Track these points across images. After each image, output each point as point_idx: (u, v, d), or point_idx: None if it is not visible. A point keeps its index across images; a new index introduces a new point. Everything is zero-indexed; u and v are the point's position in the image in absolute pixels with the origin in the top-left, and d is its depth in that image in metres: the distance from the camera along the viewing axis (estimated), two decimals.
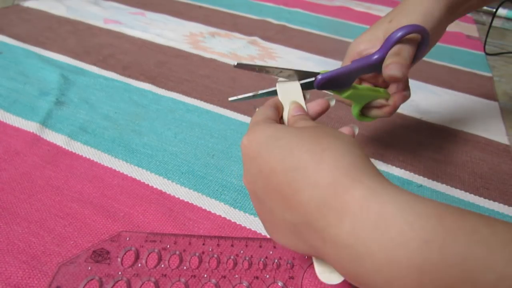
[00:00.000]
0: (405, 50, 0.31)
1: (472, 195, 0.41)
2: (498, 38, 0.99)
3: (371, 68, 0.33)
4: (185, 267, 0.29)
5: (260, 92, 0.32)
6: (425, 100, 0.61)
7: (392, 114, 0.37)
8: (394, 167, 0.44)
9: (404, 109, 0.57)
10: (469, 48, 0.87)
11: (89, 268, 0.28)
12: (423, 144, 0.49)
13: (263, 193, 0.24)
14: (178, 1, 0.98)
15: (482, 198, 0.40)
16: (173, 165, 0.40)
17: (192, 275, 0.29)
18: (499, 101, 0.63)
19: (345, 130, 0.29)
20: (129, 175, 0.38)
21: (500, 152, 0.49)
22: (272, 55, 0.71)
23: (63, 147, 0.41)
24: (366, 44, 0.34)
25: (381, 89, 0.36)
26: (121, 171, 0.39)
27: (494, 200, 0.40)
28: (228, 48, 0.72)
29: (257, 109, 0.29)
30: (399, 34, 0.31)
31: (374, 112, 0.37)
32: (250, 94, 0.32)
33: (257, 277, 0.29)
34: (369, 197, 0.19)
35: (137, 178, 0.38)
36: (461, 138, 0.51)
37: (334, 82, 0.31)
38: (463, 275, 0.16)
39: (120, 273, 0.28)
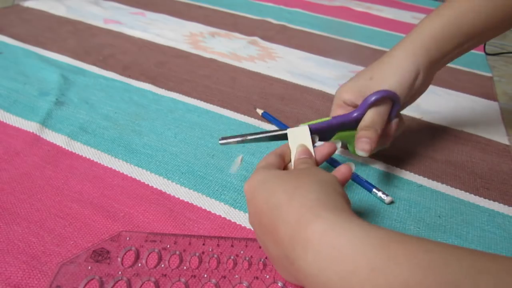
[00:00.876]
0: (377, 119, 0.36)
1: (472, 195, 0.41)
2: (498, 38, 0.99)
3: (351, 124, 0.37)
4: (185, 267, 0.29)
5: (249, 137, 0.35)
6: (425, 100, 0.60)
7: (383, 146, 0.40)
8: (394, 167, 0.44)
9: (404, 109, 0.57)
10: None
11: (89, 268, 0.28)
12: (423, 144, 0.49)
13: (259, 231, 0.27)
14: (178, 1, 0.98)
15: (482, 198, 0.40)
16: (173, 165, 0.40)
17: (192, 275, 0.29)
18: (499, 101, 0.63)
19: (342, 167, 0.31)
20: (129, 175, 0.38)
21: (500, 152, 0.49)
22: (272, 55, 0.71)
23: (63, 147, 0.41)
24: (349, 96, 0.38)
25: None
26: (121, 171, 0.39)
27: (494, 200, 0.40)
28: (228, 48, 0.72)
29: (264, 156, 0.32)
30: (373, 98, 0.36)
31: None
32: (239, 139, 0.35)
33: (257, 277, 0.29)
34: (327, 231, 0.21)
35: (137, 178, 0.38)
36: (461, 138, 0.51)
37: (318, 133, 0.35)
38: None
39: (120, 273, 0.28)
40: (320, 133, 0.35)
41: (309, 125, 0.35)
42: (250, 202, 0.27)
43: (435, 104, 0.60)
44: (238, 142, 0.35)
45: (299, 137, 0.34)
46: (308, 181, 0.26)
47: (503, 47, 0.92)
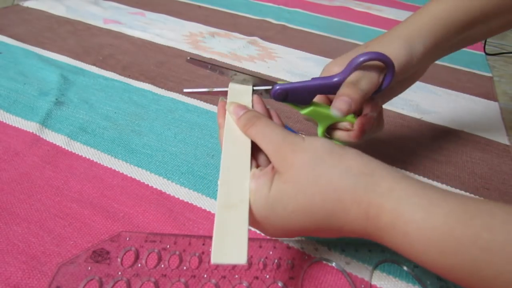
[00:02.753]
0: (364, 79, 0.30)
1: (472, 195, 0.41)
2: (498, 38, 0.99)
3: (330, 89, 0.31)
4: (185, 267, 0.29)
5: (215, 89, 0.33)
6: (425, 100, 0.61)
7: (360, 139, 0.33)
8: (394, 167, 0.44)
9: (404, 109, 0.57)
10: (469, 48, 0.87)
11: (89, 268, 0.28)
12: (423, 144, 0.49)
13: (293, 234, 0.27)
14: (177, 1, 0.98)
15: (482, 198, 0.40)
16: (173, 165, 0.40)
17: (192, 275, 0.29)
18: (499, 101, 0.63)
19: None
20: (129, 175, 0.38)
21: (500, 152, 0.49)
22: (272, 55, 0.71)
23: (63, 147, 0.41)
24: (339, 67, 0.33)
25: None
26: (121, 171, 0.39)
27: (494, 200, 0.40)
28: (228, 48, 0.72)
29: None
30: (362, 58, 0.29)
31: (339, 134, 0.35)
32: (205, 89, 0.33)
33: (257, 277, 0.29)
34: (395, 220, 0.22)
35: (137, 178, 0.38)
36: (461, 138, 0.51)
37: (292, 95, 0.31)
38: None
39: (120, 273, 0.28)
40: (293, 94, 0.31)
41: (281, 85, 0.31)
42: (273, 211, 0.25)
43: (435, 104, 0.60)
44: (203, 93, 0.33)
45: (242, 95, 0.31)
46: (327, 169, 0.24)
47: (503, 47, 0.92)
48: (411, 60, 0.33)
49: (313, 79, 0.32)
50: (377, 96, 0.33)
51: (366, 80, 0.30)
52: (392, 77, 0.31)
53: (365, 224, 0.23)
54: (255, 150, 0.28)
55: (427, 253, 0.21)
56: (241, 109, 0.29)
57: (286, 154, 0.25)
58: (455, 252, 0.20)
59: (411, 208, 0.22)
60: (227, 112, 0.30)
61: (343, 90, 0.30)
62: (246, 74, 0.32)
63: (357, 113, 0.34)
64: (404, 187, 0.23)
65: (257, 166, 0.28)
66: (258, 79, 0.32)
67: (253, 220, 0.25)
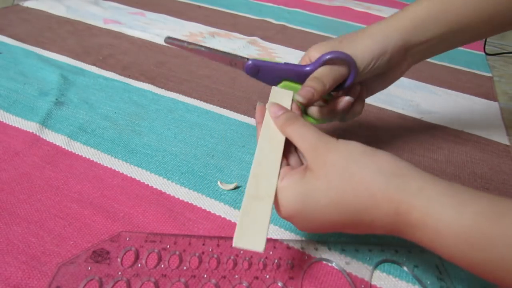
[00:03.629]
0: (328, 75, 0.34)
1: None
2: (498, 38, 0.99)
3: (300, 76, 0.36)
4: (185, 267, 0.29)
5: (198, 45, 0.35)
6: (425, 100, 0.61)
7: (332, 118, 0.38)
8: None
9: (404, 109, 0.57)
10: (469, 48, 0.87)
11: (89, 268, 0.28)
12: (423, 144, 0.49)
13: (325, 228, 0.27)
14: (177, 1, 0.98)
15: (510, 199, 0.40)
16: (173, 165, 0.40)
17: (192, 275, 0.29)
18: (499, 101, 0.63)
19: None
20: (129, 175, 0.38)
21: (500, 152, 0.49)
22: (272, 55, 0.71)
23: (63, 147, 0.41)
24: (317, 54, 0.36)
25: None
26: (121, 171, 0.39)
27: None
28: (228, 48, 0.72)
29: None
30: (328, 56, 0.34)
31: (312, 110, 0.37)
32: (185, 43, 0.35)
33: (257, 277, 0.29)
34: (426, 219, 0.23)
35: (137, 178, 0.38)
36: (461, 138, 0.51)
37: (263, 73, 0.35)
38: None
39: (120, 273, 0.28)
40: (265, 72, 0.36)
41: (253, 60, 0.35)
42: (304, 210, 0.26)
43: (435, 104, 0.60)
44: (183, 47, 0.35)
45: (280, 98, 0.33)
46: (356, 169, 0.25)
47: (503, 47, 0.92)
48: (381, 57, 0.35)
49: (285, 63, 0.36)
50: (357, 83, 0.37)
51: (330, 76, 0.34)
52: (354, 75, 0.35)
53: (395, 219, 0.24)
54: (287, 151, 0.30)
55: (457, 249, 0.22)
56: (280, 109, 0.31)
57: (321, 153, 0.26)
58: (484, 249, 0.21)
59: (441, 207, 0.22)
60: (266, 112, 0.32)
61: (308, 82, 0.34)
62: (221, 51, 0.34)
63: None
64: (434, 187, 0.24)
65: (288, 165, 0.30)
66: (232, 55, 0.35)
67: (287, 215, 0.27)
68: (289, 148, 0.31)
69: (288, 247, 0.32)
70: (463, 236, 0.21)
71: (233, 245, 0.24)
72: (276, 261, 0.31)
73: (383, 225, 0.24)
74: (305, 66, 0.36)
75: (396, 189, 0.24)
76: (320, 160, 0.26)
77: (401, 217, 0.24)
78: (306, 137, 0.28)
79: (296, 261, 0.31)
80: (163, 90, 0.54)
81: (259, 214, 0.25)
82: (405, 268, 0.31)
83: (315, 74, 0.35)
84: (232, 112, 0.51)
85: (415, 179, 0.25)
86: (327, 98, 0.38)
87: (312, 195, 0.26)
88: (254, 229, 0.25)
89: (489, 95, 0.65)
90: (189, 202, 0.36)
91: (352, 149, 0.27)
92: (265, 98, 0.55)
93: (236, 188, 0.38)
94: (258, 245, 0.24)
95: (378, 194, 0.24)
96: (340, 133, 0.49)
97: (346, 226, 0.26)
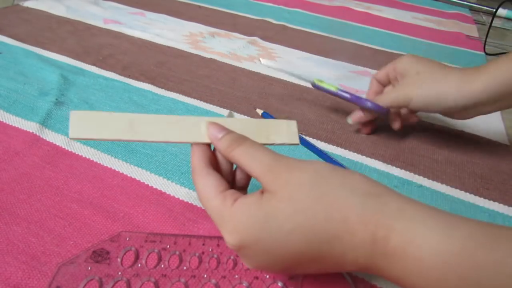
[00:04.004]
0: (363, 118, 0.47)
1: (472, 195, 0.41)
2: (498, 38, 0.99)
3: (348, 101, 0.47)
4: (185, 267, 0.29)
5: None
6: None
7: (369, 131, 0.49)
8: (394, 167, 0.44)
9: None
10: (469, 48, 0.87)
11: (89, 268, 0.28)
12: (423, 144, 0.49)
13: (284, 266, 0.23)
14: (177, 1, 0.98)
15: (482, 198, 0.40)
16: (173, 165, 0.40)
17: (192, 275, 0.29)
18: None
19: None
20: (129, 175, 0.38)
21: (500, 152, 0.49)
22: (272, 55, 0.71)
23: (63, 147, 0.41)
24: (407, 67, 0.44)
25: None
26: (121, 171, 0.39)
27: (494, 200, 0.40)
28: (228, 48, 0.72)
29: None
30: (369, 105, 0.45)
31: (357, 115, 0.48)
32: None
33: (257, 277, 0.29)
34: (406, 245, 0.20)
35: (137, 178, 0.38)
36: (461, 138, 0.51)
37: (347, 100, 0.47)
38: None
39: (120, 273, 0.28)
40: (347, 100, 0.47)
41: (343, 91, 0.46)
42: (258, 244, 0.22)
43: None
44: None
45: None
46: (327, 190, 0.22)
47: (503, 47, 0.92)
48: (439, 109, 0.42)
49: (352, 95, 0.46)
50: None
51: (364, 119, 0.47)
52: (386, 118, 0.48)
53: (370, 250, 0.20)
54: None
55: (445, 282, 0.19)
56: (222, 130, 0.26)
57: (280, 173, 0.23)
58: (478, 280, 0.18)
59: (424, 230, 0.19)
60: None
61: (359, 112, 0.47)
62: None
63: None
64: (415, 208, 0.21)
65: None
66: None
67: (237, 243, 0.23)
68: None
69: None
70: (452, 265, 0.18)
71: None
72: None
73: (356, 258, 0.21)
74: (365, 101, 0.45)
75: (373, 211, 0.21)
76: (281, 181, 0.22)
77: (378, 246, 0.20)
78: (259, 158, 0.24)
79: None
80: (163, 90, 0.55)
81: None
82: None
83: (355, 115, 0.47)
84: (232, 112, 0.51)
85: (394, 199, 0.21)
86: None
87: (273, 220, 0.21)
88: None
89: None
90: (189, 202, 0.36)
91: (320, 168, 0.23)
92: (265, 98, 0.55)
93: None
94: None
95: (352, 217, 0.21)
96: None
97: (311, 261, 0.22)
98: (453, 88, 0.40)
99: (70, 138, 0.24)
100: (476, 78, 0.39)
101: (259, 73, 0.63)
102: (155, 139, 0.26)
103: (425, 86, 0.41)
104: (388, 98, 0.44)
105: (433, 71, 0.42)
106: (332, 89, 0.46)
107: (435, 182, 0.42)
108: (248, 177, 0.28)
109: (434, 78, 0.41)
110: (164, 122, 0.26)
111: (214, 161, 0.27)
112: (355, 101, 0.45)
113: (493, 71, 0.38)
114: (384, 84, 0.48)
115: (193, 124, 0.27)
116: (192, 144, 0.27)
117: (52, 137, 0.42)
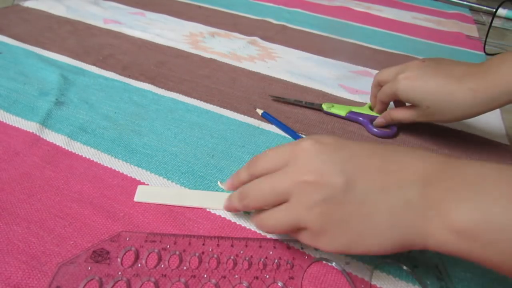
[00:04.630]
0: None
1: None
2: (498, 38, 0.99)
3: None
4: (185, 267, 0.29)
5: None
6: None
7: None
8: None
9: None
10: (469, 48, 0.87)
11: (89, 268, 0.28)
12: (423, 144, 0.49)
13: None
14: (178, 1, 0.98)
15: None
16: (173, 165, 0.40)
17: (192, 275, 0.29)
18: None
19: None
20: (129, 175, 0.38)
21: (500, 152, 0.49)
22: (272, 55, 0.71)
23: (63, 147, 0.41)
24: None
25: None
26: (121, 171, 0.39)
27: None
28: (228, 48, 0.72)
29: None
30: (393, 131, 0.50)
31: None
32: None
33: (257, 277, 0.29)
34: (472, 217, 0.23)
35: (137, 178, 0.38)
36: (461, 138, 0.51)
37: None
38: None
39: (120, 273, 0.28)
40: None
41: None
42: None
43: None
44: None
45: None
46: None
47: (503, 47, 0.92)
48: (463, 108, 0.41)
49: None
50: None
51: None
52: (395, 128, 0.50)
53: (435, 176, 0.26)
54: None
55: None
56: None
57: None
58: None
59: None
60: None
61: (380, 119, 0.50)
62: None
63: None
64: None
65: None
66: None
67: (314, 141, 0.29)
68: None
69: (288, 247, 0.32)
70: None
71: None
72: (276, 261, 0.31)
73: (420, 168, 0.27)
74: (373, 128, 0.50)
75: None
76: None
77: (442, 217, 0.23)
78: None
79: (296, 261, 0.31)
80: (163, 90, 0.55)
81: None
82: (405, 268, 0.31)
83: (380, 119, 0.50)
84: (232, 112, 0.51)
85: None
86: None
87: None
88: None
89: None
90: None
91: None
92: (265, 98, 0.55)
93: None
94: None
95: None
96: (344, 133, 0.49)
97: (377, 169, 0.27)
98: (467, 104, 0.41)
99: (135, 201, 0.35)
100: (489, 88, 0.40)
101: (259, 73, 0.63)
102: (195, 205, 0.35)
103: (446, 114, 0.43)
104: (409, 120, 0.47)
105: (441, 99, 0.42)
106: (342, 114, 0.51)
107: None
108: None
109: (448, 108, 0.42)
110: (201, 194, 0.37)
111: None
112: (364, 126, 0.51)
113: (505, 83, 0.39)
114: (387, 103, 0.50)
115: (221, 197, 0.36)
116: None
117: (52, 137, 0.42)
